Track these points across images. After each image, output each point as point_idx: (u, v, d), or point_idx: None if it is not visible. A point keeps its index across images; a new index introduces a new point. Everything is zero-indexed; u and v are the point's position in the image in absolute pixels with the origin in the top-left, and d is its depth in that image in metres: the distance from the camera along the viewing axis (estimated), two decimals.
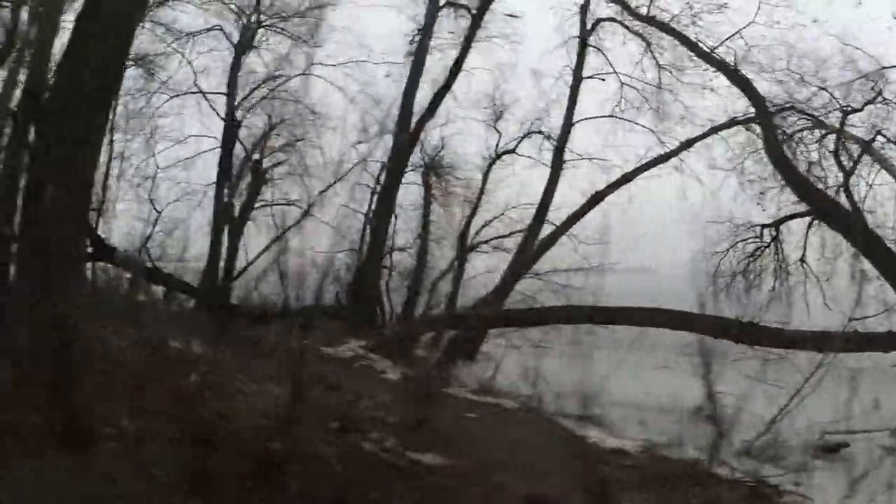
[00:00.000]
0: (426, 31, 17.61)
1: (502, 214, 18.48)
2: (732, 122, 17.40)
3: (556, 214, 17.35)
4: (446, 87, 17.07)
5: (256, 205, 19.20)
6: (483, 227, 18.33)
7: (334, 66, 18.99)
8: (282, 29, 19.51)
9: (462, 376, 12.75)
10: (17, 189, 12.77)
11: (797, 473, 7.35)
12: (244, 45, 19.15)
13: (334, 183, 17.58)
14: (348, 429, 6.84)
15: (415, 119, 17.37)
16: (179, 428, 5.21)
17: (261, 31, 19.54)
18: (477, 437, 8.19)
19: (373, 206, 18.37)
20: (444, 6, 17.93)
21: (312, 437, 5.85)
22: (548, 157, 18.26)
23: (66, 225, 6.75)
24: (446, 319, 15.14)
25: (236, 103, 19.33)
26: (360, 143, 18.09)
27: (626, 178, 16.43)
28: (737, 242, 18.38)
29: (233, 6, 19.23)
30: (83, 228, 7.12)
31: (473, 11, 17.35)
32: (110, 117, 7.41)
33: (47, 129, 6.96)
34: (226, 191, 18.92)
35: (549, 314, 13.58)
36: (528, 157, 18.31)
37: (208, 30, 18.85)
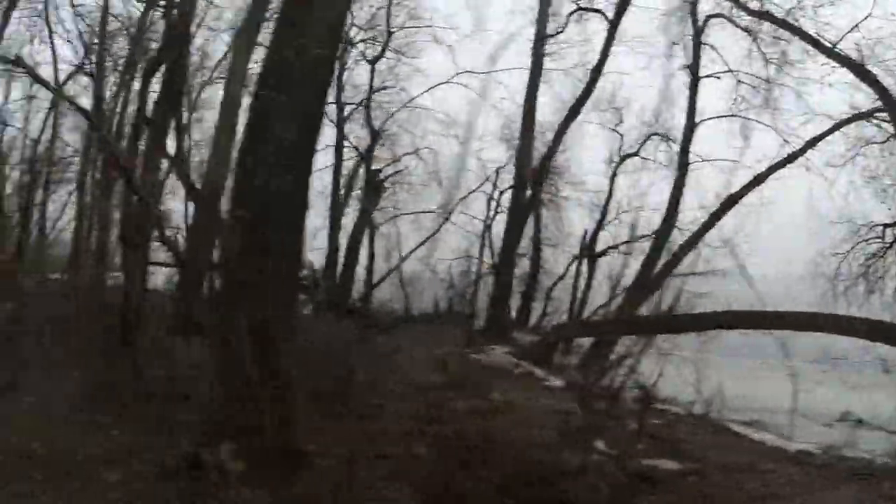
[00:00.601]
0: (541, 39, 17.52)
1: (615, 218, 18.40)
2: (856, 117, 16.89)
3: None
4: (587, 93, 16.93)
5: (388, 214, 19.35)
6: (598, 230, 18.18)
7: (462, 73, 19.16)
8: (375, 40, 19.67)
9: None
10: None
11: None
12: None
13: (472, 192, 17.66)
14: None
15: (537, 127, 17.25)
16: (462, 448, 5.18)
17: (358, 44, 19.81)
18: (681, 442, 8.09)
19: (490, 213, 18.45)
20: (575, 11, 17.86)
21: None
22: (662, 157, 18.19)
23: (287, 237, 6.49)
24: (587, 326, 14.96)
25: (346, 114, 19.64)
26: (483, 149, 18.07)
27: (759, 180, 16.07)
28: (858, 243, 17.92)
29: None
30: (300, 239, 6.91)
31: (610, 17, 17.18)
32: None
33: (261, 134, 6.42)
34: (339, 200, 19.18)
35: (696, 320, 13.21)
36: (651, 160, 18.10)
37: None
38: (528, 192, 17.36)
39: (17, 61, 11.97)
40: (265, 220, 6.17)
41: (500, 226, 18.75)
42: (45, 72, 19.42)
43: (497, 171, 18.86)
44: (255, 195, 6.25)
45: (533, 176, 17.10)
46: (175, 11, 12.76)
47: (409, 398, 7.16)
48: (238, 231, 6.31)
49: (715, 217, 15.98)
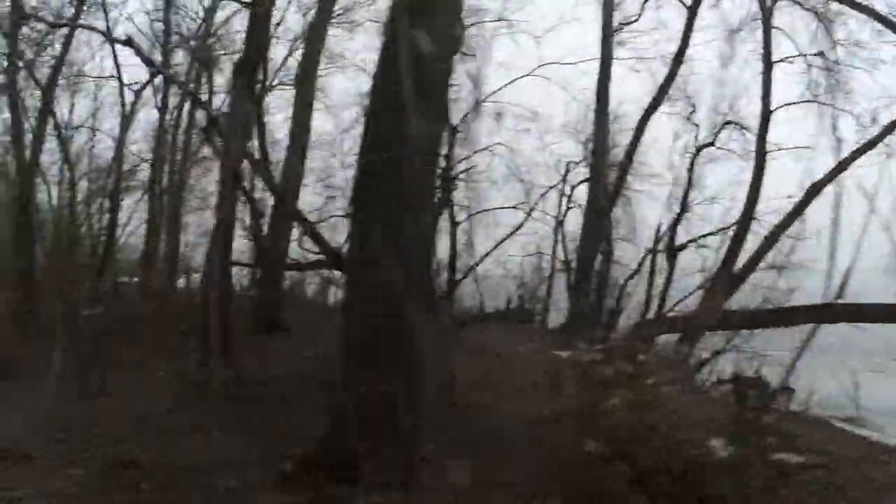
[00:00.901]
0: (607, 29, 17.21)
1: (687, 211, 17.95)
2: None
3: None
4: (667, 83, 16.58)
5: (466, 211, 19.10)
6: (677, 223, 17.72)
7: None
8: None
9: None
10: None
11: None
12: None
13: (551, 188, 17.37)
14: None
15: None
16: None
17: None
18: (795, 436, 7.90)
19: (562, 209, 18.15)
20: None
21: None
22: (735, 146, 17.79)
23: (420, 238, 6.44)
24: (675, 322, 14.54)
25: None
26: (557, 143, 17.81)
27: (841, 167, 15.50)
28: None
29: None
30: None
31: (689, 3, 16.75)
32: None
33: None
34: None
35: (789, 314, 12.66)
36: (727, 149, 17.63)
37: None
38: (605, 201, 16.99)
39: (129, 41, 12.10)
40: (400, 218, 6.07)
41: (572, 222, 18.81)
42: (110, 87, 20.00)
43: (568, 166, 18.57)
44: (385, 195, 6.08)
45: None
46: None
47: (520, 396, 7.00)
48: (364, 236, 6.20)
49: (799, 207, 15.49)
